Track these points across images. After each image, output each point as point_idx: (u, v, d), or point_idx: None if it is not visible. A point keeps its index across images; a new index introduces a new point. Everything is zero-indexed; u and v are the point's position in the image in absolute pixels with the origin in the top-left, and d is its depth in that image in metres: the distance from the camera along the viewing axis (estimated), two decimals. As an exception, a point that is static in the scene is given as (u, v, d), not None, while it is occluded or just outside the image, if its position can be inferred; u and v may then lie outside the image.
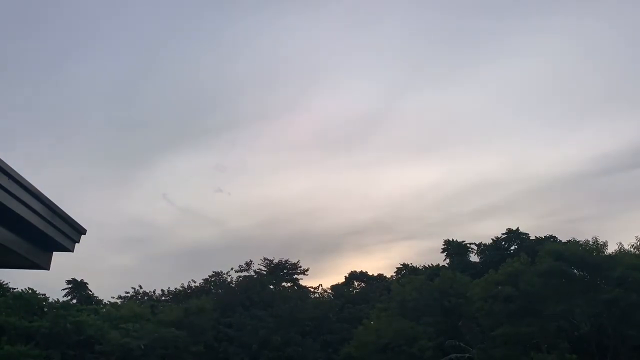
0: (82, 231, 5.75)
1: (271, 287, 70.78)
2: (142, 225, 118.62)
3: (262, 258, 76.28)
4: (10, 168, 4.36)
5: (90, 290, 72.67)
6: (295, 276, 77.33)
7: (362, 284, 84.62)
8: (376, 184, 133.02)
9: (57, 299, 60.02)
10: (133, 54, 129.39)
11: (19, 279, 58.25)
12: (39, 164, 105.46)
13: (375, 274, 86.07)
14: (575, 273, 43.67)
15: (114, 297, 74.08)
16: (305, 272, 77.61)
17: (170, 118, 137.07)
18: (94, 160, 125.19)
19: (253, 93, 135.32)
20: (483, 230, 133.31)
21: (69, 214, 5.39)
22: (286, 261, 76.80)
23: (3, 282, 58.21)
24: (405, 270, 79.92)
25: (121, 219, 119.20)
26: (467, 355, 44.09)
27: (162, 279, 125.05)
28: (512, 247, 70.29)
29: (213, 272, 77.39)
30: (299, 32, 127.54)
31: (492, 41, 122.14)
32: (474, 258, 74.12)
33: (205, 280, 77.34)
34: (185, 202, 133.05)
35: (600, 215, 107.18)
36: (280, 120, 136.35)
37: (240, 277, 74.70)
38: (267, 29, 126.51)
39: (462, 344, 44.89)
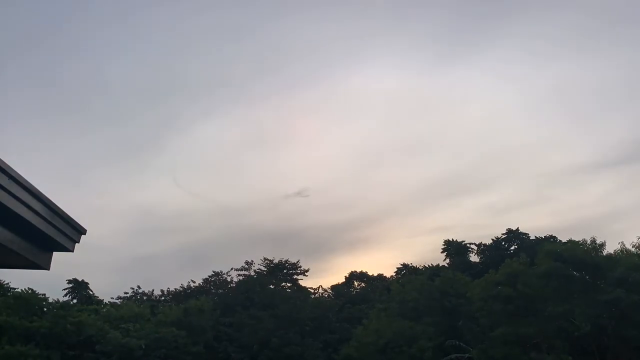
0: (82, 231, 5.75)
1: (271, 287, 70.76)
2: (148, 215, 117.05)
3: (262, 258, 76.44)
4: (10, 168, 4.35)
5: (91, 290, 72.68)
6: (295, 276, 77.37)
7: (362, 284, 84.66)
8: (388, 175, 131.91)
9: (58, 299, 60.04)
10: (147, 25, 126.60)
11: (19, 279, 58.23)
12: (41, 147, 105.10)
13: (375, 274, 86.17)
14: (575, 273, 43.65)
15: (113, 298, 74.22)
16: (305, 272, 77.68)
17: (181, 95, 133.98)
18: (98, 143, 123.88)
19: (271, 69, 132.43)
20: (489, 229, 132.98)
21: (69, 214, 5.38)
22: (286, 261, 76.84)
23: (3, 282, 58.21)
24: (405, 270, 79.93)
25: (124, 207, 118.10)
26: (467, 355, 44.07)
27: (162, 279, 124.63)
28: (512, 247, 70.33)
29: (213, 272, 77.57)
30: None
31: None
32: (474, 258, 74.20)
33: (205, 280, 77.41)
34: (197, 188, 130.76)
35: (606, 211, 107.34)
36: (305, 96, 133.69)
37: (241, 275, 74.86)
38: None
39: (462, 344, 44.87)
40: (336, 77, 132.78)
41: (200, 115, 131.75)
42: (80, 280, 71.37)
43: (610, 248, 45.49)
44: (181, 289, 77.38)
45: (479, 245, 74.67)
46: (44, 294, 56.80)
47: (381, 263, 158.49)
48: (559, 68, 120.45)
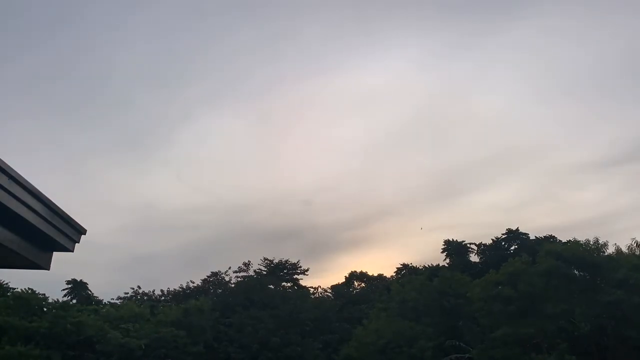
0: (82, 231, 5.73)
1: (271, 287, 70.78)
2: (149, 211, 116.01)
3: (262, 258, 76.45)
4: (10, 168, 4.34)
5: (90, 291, 72.71)
6: (295, 276, 77.38)
7: (362, 284, 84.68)
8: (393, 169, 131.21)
9: (57, 299, 60.00)
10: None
11: (19, 279, 58.14)
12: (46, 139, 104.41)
13: (375, 274, 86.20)
14: (576, 273, 43.68)
15: (113, 298, 74.26)
16: (306, 272, 77.69)
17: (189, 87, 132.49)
18: (100, 138, 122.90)
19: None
20: (489, 229, 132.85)
21: (70, 212, 5.37)
22: (286, 261, 76.84)
23: (3, 282, 58.17)
24: (405, 270, 79.93)
25: (126, 204, 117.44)
26: (467, 355, 44.06)
27: (162, 278, 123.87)
28: (512, 247, 70.31)
29: (211, 272, 77.59)
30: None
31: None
32: (474, 258, 74.15)
33: (204, 280, 77.45)
34: (198, 184, 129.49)
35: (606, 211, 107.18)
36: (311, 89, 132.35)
37: (239, 277, 74.87)
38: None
39: (462, 344, 44.87)
40: (339, 74, 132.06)
41: (203, 110, 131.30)
42: (79, 280, 71.41)
43: (612, 248, 45.65)
44: (180, 289, 77.46)
45: (479, 245, 74.64)
46: (44, 294, 56.82)
47: (381, 263, 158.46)
48: (560, 67, 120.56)
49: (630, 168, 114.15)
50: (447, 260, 74.18)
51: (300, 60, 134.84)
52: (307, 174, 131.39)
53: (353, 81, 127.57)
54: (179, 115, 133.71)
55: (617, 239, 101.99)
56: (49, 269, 5.78)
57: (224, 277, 76.84)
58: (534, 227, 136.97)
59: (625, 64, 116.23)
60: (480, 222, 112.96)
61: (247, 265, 75.50)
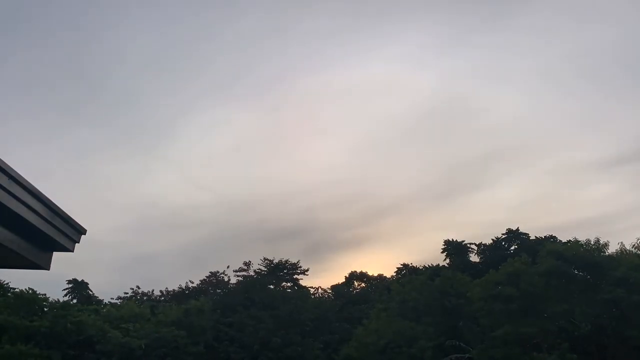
0: (82, 231, 5.75)
1: (271, 287, 70.77)
2: (151, 209, 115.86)
3: (262, 258, 76.45)
4: (10, 168, 4.36)
5: (91, 290, 72.80)
6: (295, 276, 77.35)
7: (362, 284, 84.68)
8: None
9: (58, 299, 60.07)
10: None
11: (19, 279, 58.19)
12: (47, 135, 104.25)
13: (375, 274, 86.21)
14: (576, 273, 43.68)
15: (113, 298, 74.35)
16: (306, 272, 77.63)
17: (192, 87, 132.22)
18: (104, 130, 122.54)
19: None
20: (490, 229, 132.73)
21: (70, 212, 5.39)
22: (286, 261, 76.81)
23: (3, 282, 58.20)
24: (406, 270, 79.89)
25: (128, 201, 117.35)
26: (467, 355, 44.06)
27: (162, 278, 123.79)
28: (512, 247, 70.28)
29: (211, 272, 77.64)
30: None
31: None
32: (474, 258, 74.12)
33: (203, 280, 77.52)
34: (202, 181, 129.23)
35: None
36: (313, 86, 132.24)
37: (239, 276, 74.92)
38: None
39: (462, 344, 44.86)
40: (340, 71, 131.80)
41: (204, 108, 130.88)
42: (80, 280, 71.52)
43: (616, 247, 45.63)
44: (180, 289, 77.53)
45: (479, 245, 74.59)
46: (45, 294, 56.88)
47: (381, 263, 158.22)
48: (564, 65, 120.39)
49: (633, 168, 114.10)
50: (447, 260, 74.16)
51: (304, 54, 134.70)
52: (308, 173, 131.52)
53: (354, 77, 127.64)
54: (181, 113, 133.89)
55: (620, 239, 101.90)
56: (49, 269, 5.80)
57: (223, 277, 76.96)
58: (536, 226, 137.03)
59: (630, 63, 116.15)
60: (480, 221, 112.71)
61: (247, 264, 75.56)
